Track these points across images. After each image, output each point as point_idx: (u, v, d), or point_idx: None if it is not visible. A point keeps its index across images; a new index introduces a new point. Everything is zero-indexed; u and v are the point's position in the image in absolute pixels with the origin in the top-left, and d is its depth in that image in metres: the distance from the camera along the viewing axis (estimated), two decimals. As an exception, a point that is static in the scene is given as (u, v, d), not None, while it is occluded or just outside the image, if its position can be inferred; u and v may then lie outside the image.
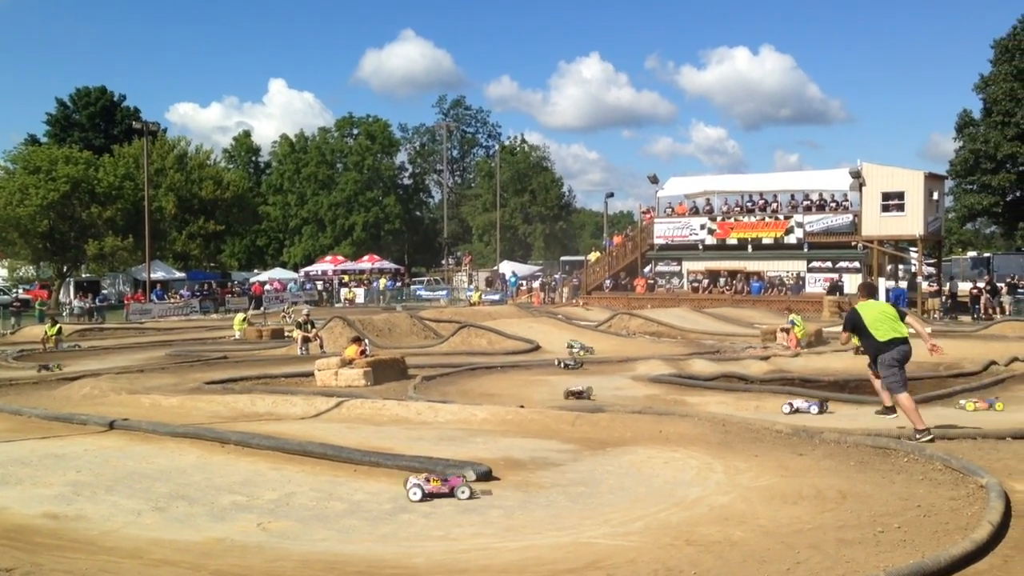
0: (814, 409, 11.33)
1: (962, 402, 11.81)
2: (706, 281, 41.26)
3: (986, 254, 58.74)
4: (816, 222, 39.16)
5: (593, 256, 48.03)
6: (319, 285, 59.12)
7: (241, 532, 6.15)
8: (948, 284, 39.59)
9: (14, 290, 53.70)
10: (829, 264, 38.82)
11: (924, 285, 36.17)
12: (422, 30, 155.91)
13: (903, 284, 38.22)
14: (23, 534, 6.06)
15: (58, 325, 27.93)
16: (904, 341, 9.23)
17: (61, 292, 52.41)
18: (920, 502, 6.52)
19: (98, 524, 6.36)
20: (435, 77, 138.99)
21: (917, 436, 8.80)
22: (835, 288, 36.45)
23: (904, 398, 9.10)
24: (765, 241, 40.41)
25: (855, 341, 9.98)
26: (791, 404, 11.60)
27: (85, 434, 10.39)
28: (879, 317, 9.32)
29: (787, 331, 21.10)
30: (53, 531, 6.18)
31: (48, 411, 12.00)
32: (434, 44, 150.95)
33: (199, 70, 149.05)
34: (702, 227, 41.93)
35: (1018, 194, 52.21)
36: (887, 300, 34.80)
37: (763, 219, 40.72)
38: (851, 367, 16.86)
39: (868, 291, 10.28)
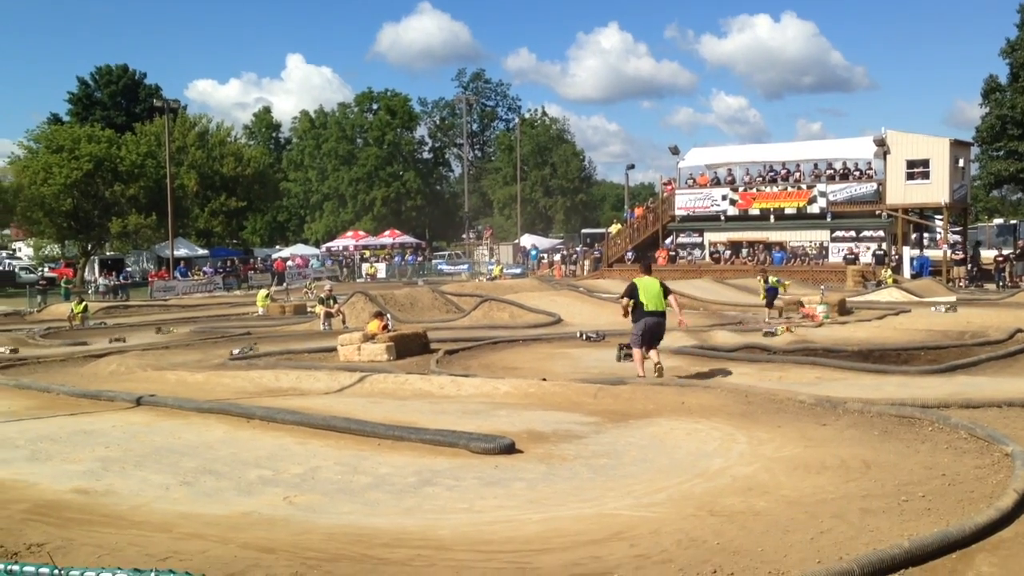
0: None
1: None
2: (728, 252, 41.06)
3: (1012, 221, 58.03)
4: (840, 191, 38.79)
5: (614, 228, 47.84)
6: (340, 260, 59.36)
7: (268, 506, 6.21)
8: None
9: (40, 269, 54.29)
10: (853, 233, 38.47)
11: (949, 253, 35.82)
12: (439, 3, 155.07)
13: (928, 252, 37.87)
14: (54, 509, 6.14)
15: (84, 303, 28.28)
16: (657, 315, 11.77)
17: (86, 270, 52.95)
18: (945, 471, 6.49)
19: (127, 499, 6.44)
20: (452, 50, 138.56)
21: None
22: (880, 259, 36.06)
23: (637, 352, 11.89)
24: (788, 211, 40.06)
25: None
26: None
27: (113, 410, 10.51)
28: (647, 291, 11.81)
29: (793, 303, 21.08)
30: (83, 506, 6.25)
31: (76, 388, 12.13)
32: (451, 17, 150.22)
33: (217, 47, 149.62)
34: (724, 198, 41.63)
35: (1045, 160, 51.51)
36: (911, 268, 34.82)
37: (786, 189, 40.36)
38: (874, 336, 16.79)
39: (646, 268, 12.86)
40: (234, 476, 7.10)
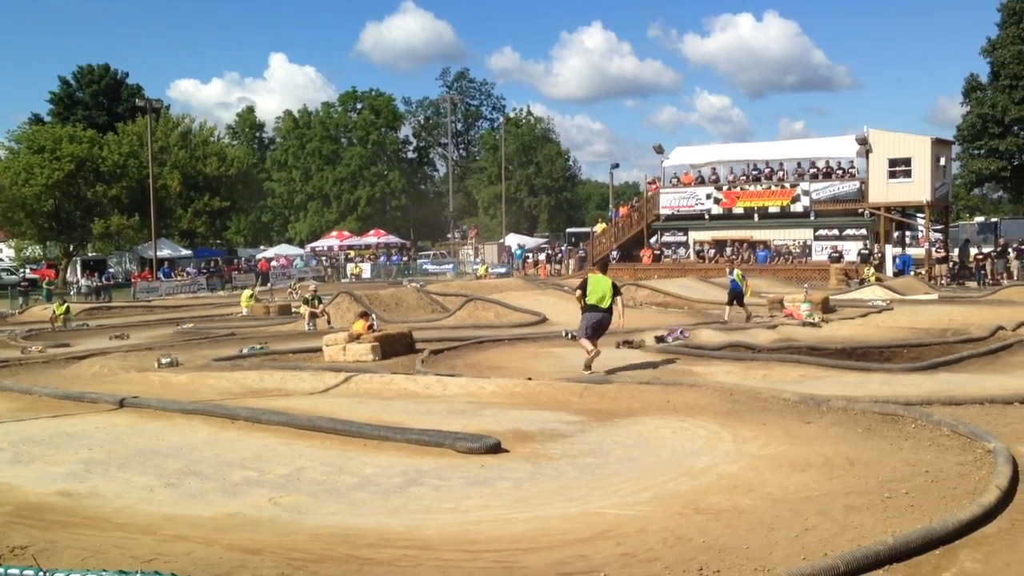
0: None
1: None
2: (712, 251, 41.17)
3: (994, 219, 58.45)
4: (823, 190, 38.95)
5: (599, 227, 47.90)
6: (324, 260, 59.18)
7: (253, 507, 6.19)
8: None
9: (21, 270, 53.87)
10: (836, 232, 38.64)
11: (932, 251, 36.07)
12: (422, 2, 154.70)
13: (910, 251, 38.08)
14: (37, 512, 6.10)
15: (66, 304, 28.09)
16: (601, 310, 12.38)
17: (68, 271, 52.57)
18: (928, 467, 6.53)
19: (111, 501, 6.40)
20: (436, 49, 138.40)
21: (585, 371, 12.24)
22: (865, 257, 36.17)
23: (584, 341, 12.48)
24: (771, 210, 40.21)
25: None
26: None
27: (96, 412, 10.44)
28: (596, 287, 12.44)
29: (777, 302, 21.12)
30: (67, 508, 6.21)
31: (58, 390, 12.04)
32: (435, 16, 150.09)
33: (199, 46, 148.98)
34: (708, 197, 41.74)
35: (1026, 158, 51.87)
36: (894, 266, 34.99)
37: (769, 188, 40.51)
38: (857, 334, 16.87)
39: (601, 267, 13.42)
40: (219, 477, 7.07)
